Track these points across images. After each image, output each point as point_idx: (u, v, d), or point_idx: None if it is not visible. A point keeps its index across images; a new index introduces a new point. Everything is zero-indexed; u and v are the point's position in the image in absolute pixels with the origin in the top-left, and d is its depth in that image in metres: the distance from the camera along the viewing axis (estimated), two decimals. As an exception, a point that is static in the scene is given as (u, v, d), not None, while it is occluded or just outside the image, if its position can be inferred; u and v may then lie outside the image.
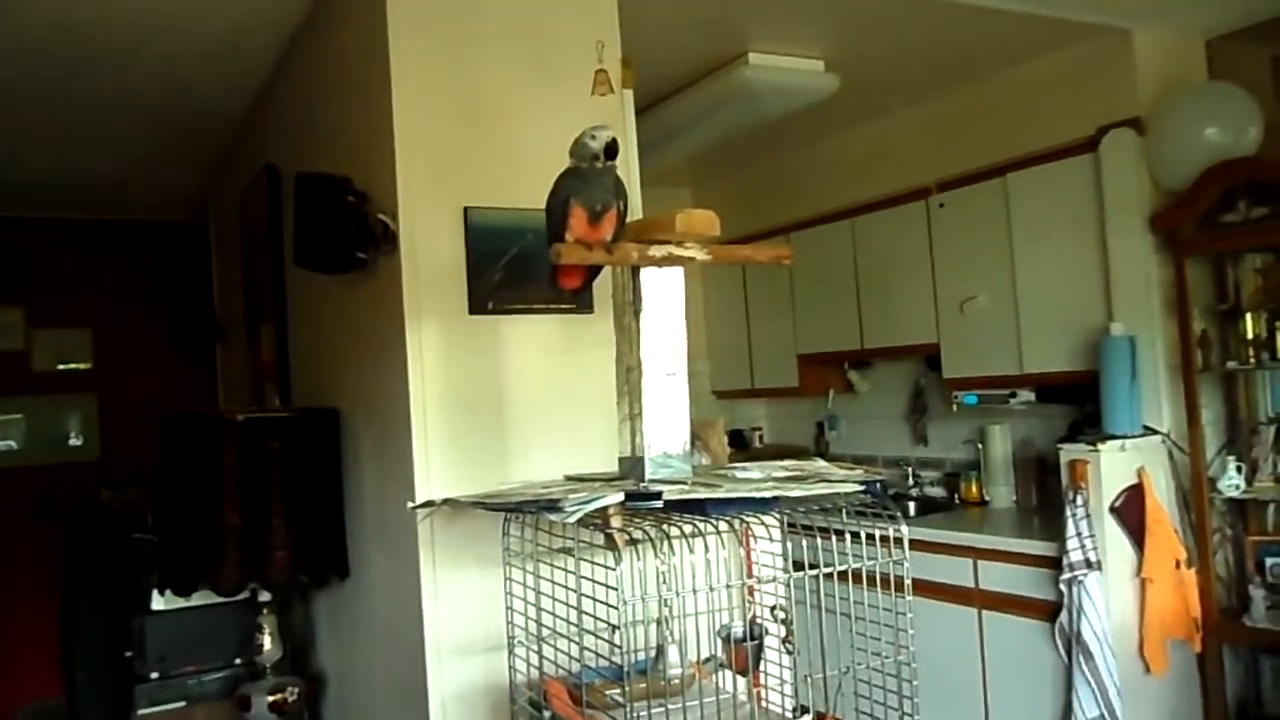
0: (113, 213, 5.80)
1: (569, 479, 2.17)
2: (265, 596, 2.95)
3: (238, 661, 3.14)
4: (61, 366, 5.74)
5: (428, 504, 2.12)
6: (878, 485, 1.85)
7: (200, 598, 2.91)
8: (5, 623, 5.17)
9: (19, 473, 5.53)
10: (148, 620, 3.09)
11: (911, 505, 4.59)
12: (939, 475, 4.75)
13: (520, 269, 2.40)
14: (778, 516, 1.95)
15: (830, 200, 4.91)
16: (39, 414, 5.66)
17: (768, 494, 1.71)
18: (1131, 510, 3.32)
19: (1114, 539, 3.29)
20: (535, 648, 1.99)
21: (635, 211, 2.44)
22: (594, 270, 1.94)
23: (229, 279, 4.87)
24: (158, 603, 3.06)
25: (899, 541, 1.78)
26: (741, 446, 5.55)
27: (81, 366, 5.77)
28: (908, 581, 1.75)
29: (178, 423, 2.83)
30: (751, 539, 2.04)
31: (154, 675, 3.08)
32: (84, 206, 5.64)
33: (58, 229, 5.71)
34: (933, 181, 4.34)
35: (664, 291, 1.86)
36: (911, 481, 4.81)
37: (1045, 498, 4.09)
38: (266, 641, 2.97)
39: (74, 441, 5.75)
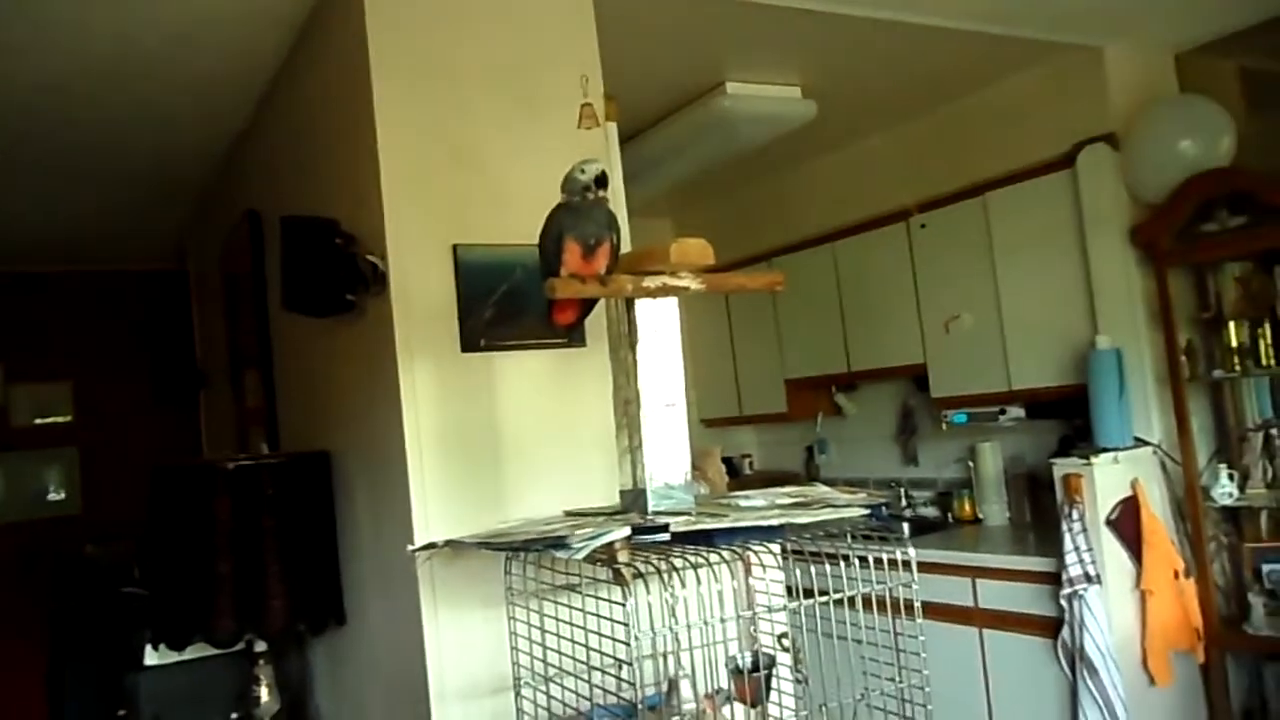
0: (89, 263, 5.76)
1: (569, 514, 2.15)
2: (261, 647, 2.90)
3: (234, 716, 3.07)
4: (39, 421, 5.67)
5: (429, 546, 2.10)
6: (882, 509, 1.85)
7: (194, 651, 2.87)
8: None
9: (-5, 530, 5.45)
10: (141, 676, 3.02)
11: (905, 526, 4.58)
12: (931, 495, 4.76)
13: (511, 305, 2.40)
14: (781, 543, 1.94)
15: (811, 225, 4.94)
16: (17, 470, 5.58)
17: (775, 521, 1.70)
18: (1127, 522, 3.33)
19: (1112, 552, 3.30)
20: (543, 688, 1.97)
21: (625, 243, 2.45)
22: (589, 304, 1.94)
23: (211, 326, 4.84)
24: (150, 658, 3.00)
25: (906, 564, 1.78)
26: (732, 474, 5.54)
27: (61, 420, 5.71)
28: (917, 605, 1.74)
29: (168, 474, 2.80)
30: (756, 567, 2.03)
31: (148, 733, 3.02)
32: (60, 258, 5.60)
33: (34, 282, 5.67)
34: (913, 203, 4.37)
35: (659, 322, 1.86)
36: (904, 502, 4.81)
37: (1039, 513, 4.10)
38: (264, 693, 2.91)
39: (54, 496, 5.67)
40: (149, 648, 2.98)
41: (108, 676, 3.41)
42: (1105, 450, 3.40)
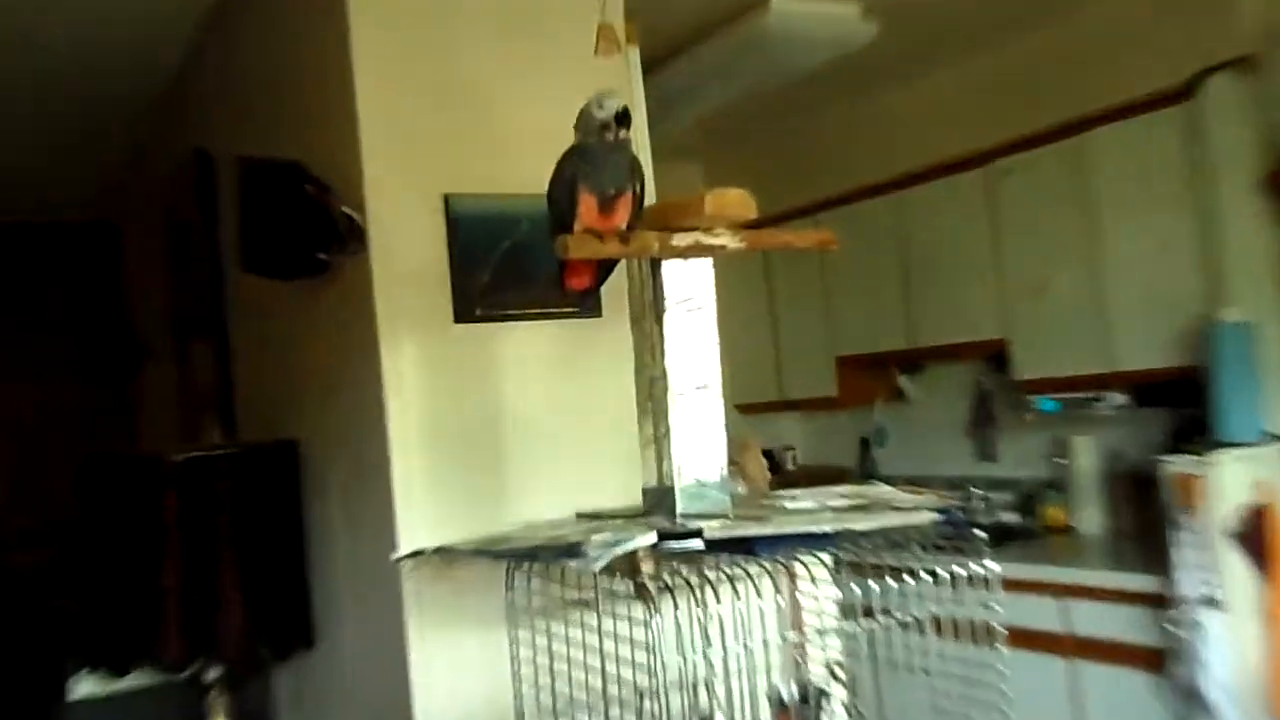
0: (2, 215, 5.81)
1: (582, 517, 2.18)
2: (214, 674, 2.95)
3: (182, 756, 3.14)
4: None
5: (416, 554, 2.13)
6: (957, 513, 1.87)
7: (132, 680, 2.92)
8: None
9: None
10: (69, 711, 3.07)
11: (983, 534, 4.59)
12: (1012, 498, 4.77)
13: (513, 267, 2.42)
14: (834, 554, 1.97)
15: (871, 172, 4.93)
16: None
17: (828, 528, 1.72)
18: (1255, 534, 3.33)
19: (1235, 570, 3.30)
20: (550, 722, 2.01)
21: (649, 193, 2.46)
22: (607, 266, 1.96)
23: (149, 288, 4.88)
24: (82, 687, 3.05)
25: (986, 581, 1.80)
26: (773, 470, 5.55)
27: (-32, 404, 5.77)
28: (999, 629, 1.77)
29: (102, 466, 2.84)
30: (804, 581, 2.05)
31: (80, 781, 3.07)
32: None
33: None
34: (994, 145, 4.36)
35: (690, 288, 1.88)
36: (979, 506, 4.81)
37: (1144, 522, 4.09)
38: (217, 728, 2.97)
39: (-36, 495, 5.73)
40: (82, 676, 3.02)
41: (28, 712, 3.46)
42: (1228, 446, 3.40)
